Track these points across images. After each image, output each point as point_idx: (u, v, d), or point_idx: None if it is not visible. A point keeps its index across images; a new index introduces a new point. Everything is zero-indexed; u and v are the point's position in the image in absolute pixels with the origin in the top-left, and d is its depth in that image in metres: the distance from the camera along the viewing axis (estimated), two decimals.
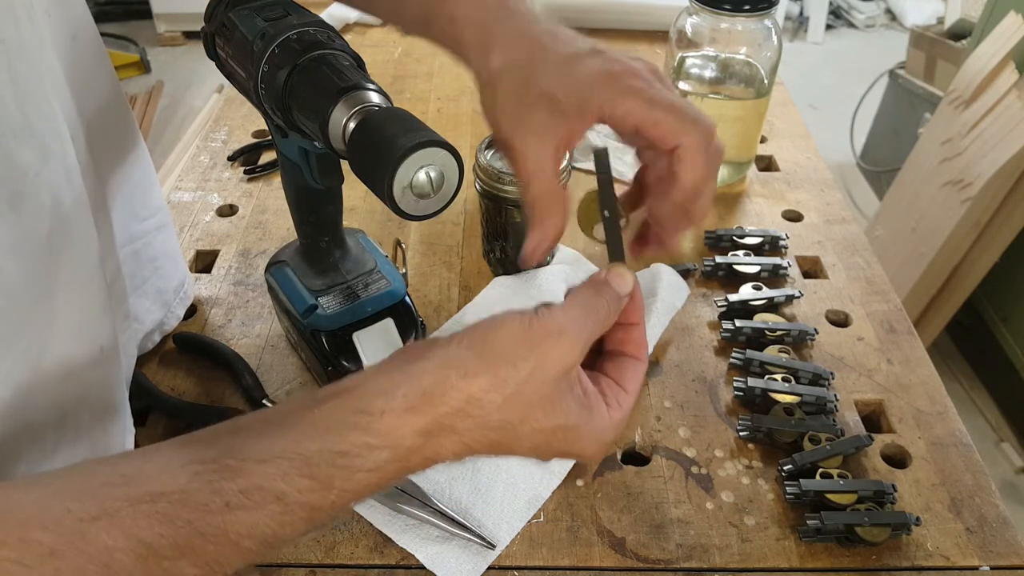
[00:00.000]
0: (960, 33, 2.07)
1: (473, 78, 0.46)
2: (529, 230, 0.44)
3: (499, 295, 0.71)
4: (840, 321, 0.71)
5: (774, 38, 0.79)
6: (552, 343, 0.36)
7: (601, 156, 0.43)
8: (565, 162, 0.66)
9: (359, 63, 0.48)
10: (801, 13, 3.51)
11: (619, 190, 0.44)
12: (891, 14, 3.58)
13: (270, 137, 0.66)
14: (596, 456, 0.39)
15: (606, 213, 0.43)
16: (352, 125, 0.43)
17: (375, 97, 0.44)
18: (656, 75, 0.43)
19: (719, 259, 0.74)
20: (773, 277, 0.74)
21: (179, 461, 0.31)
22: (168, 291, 0.66)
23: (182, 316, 0.68)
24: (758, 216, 0.83)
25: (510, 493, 0.55)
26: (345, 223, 0.61)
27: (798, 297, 0.71)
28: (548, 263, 0.74)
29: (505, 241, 0.71)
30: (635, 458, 0.59)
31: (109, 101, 0.56)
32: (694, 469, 0.58)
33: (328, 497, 0.32)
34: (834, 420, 0.60)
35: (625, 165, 0.86)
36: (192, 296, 0.70)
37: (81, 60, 0.51)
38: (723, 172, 0.86)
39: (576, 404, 0.37)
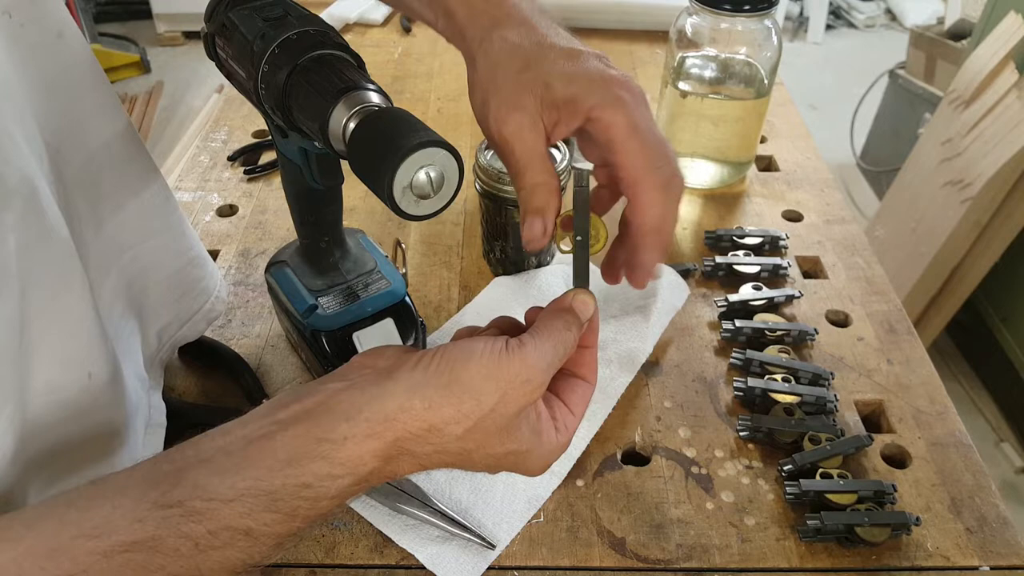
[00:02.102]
0: (960, 33, 2.07)
1: (467, 53, 0.45)
2: (526, 219, 0.43)
3: (499, 295, 0.71)
4: (840, 321, 0.71)
5: (774, 38, 0.79)
6: (519, 384, 0.37)
7: (581, 177, 0.42)
8: (566, 162, 0.66)
9: (359, 63, 0.48)
10: (801, 13, 3.51)
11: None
12: (891, 14, 3.58)
13: (270, 137, 0.66)
14: (539, 473, 0.41)
15: (579, 237, 0.43)
16: (352, 125, 0.43)
17: (375, 97, 0.44)
18: (644, 101, 0.42)
19: (719, 259, 0.74)
20: (773, 277, 0.74)
21: (146, 505, 0.31)
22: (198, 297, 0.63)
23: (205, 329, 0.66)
24: (758, 216, 0.83)
25: (510, 493, 0.55)
26: (345, 223, 0.61)
27: (798, 297, 0.71)
28: (548, 263, 0.74)
29: (505, 241, 0.71)
30: (635, 458, 0.59)
31: (103, 105, 0.52)
32: (694, 469, 0.58)
33: (294, 524, 0.33)
34: (834, 420, 0.60)
35: None
36: (218, 310, 0.66)
37: (65, 60, 0.47)
38: (723, 172, 0.86)
39: (529, 431, 0.38)
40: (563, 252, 0.44)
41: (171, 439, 0.57)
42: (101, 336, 0.46)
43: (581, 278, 0.43)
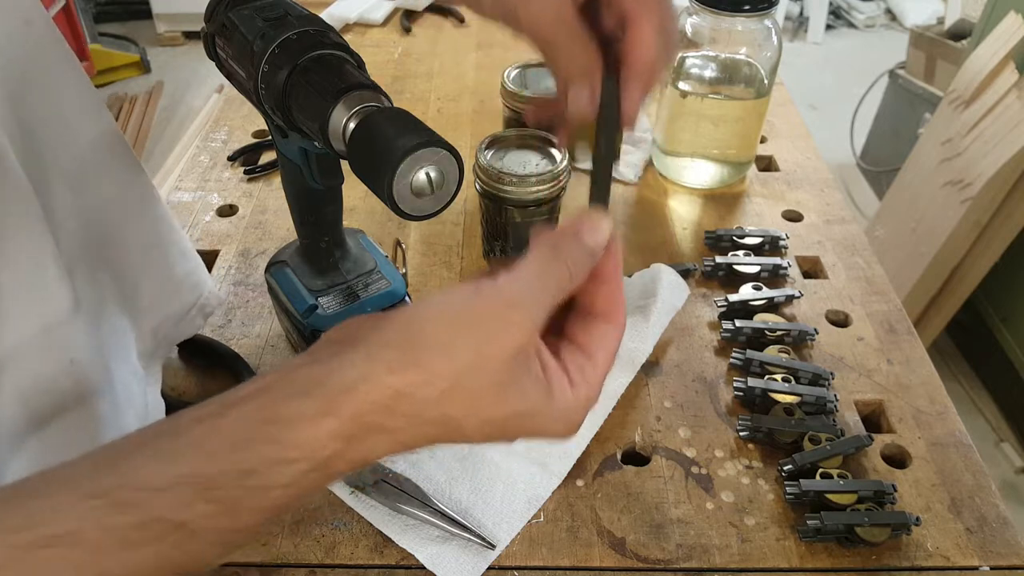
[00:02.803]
0: (960, 33, 2.07)
1: None
2: (571, 87, 0.39)
3: None
4: (840, 321, 0.71)
5: (774, 38, 0.79)
6: (498, 324, 0.31)
7: (610, 86, 0.38)
8: (565, 162, 0.66)
9: (359, 63, 0.48)
10: (801, 13, 3.51)
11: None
12: (891, 14, 3.58)
13: (270, 137, 0.66)
14: (567, 437, 0.35)
15: (601, 150, 0.38)
16: (352, 125, 0.43)
17: (375, 97, 0.44)
18: None
19: (719, 259, 0.74)
20: (773, 277, 0.74)
21: (76, 494, 0.28)
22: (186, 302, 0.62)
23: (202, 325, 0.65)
24: (758, 216, 0.83)
25: (510, 493, 0.55)
26: (345, 223, 0.61)
27: (798, 297, 0.71)
28: None
29: (505, 241, 0.71)
30: (635, 458, 0.59)
31: (81, 91, 0.51)
32: (694, 469, 0.58)
33: (239, 519, 0.29)
34: (834, 420, 0.60)
35: (627, 166, 0.86)
36: (213, 305, 0.65)
37: (35, 47, 0.46)
38: (723, 172, 0.86)
39: (533, 386, 0.32)
40: (578, 167, 0.40)
41: None
42: (83, 322, 0.45)
43: (600, 196, 0.37)
